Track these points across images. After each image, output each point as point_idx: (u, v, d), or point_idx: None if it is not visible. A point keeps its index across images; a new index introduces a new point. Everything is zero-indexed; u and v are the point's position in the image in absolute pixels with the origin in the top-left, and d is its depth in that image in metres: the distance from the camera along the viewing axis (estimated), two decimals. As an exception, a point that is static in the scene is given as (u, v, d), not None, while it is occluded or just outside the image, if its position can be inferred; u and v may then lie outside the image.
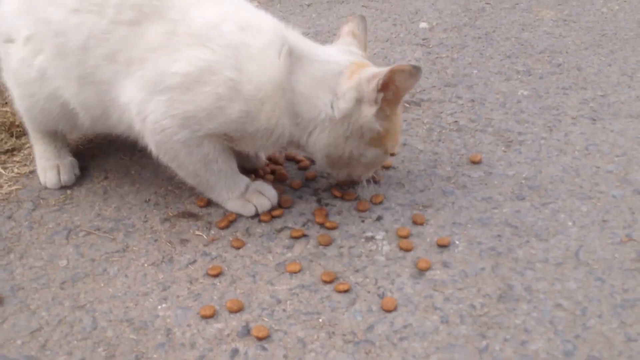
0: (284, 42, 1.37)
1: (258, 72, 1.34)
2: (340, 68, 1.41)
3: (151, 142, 1.39)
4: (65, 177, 1.60)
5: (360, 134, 1.41)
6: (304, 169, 1.68)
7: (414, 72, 1.35)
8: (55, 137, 1.63)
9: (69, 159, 1.64)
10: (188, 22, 1.35)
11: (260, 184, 1.53)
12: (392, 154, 1.59)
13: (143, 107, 1.35)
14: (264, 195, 1.51)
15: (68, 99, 1.45)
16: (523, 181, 1.60)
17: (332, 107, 1.39)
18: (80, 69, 1.39)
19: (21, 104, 1.55)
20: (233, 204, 1.51)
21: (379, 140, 1.43)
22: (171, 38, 1.34)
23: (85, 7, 1.37)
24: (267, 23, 1.41)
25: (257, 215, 1.50)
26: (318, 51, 1.44)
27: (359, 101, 1.38)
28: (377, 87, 1.36)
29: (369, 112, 1.38)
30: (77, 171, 1.64)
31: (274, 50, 1.36)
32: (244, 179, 1.52)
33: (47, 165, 1.61)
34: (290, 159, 1.71)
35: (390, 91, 1.38)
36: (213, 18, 1.37)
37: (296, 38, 1.42)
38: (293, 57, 1.37)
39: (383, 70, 1.37)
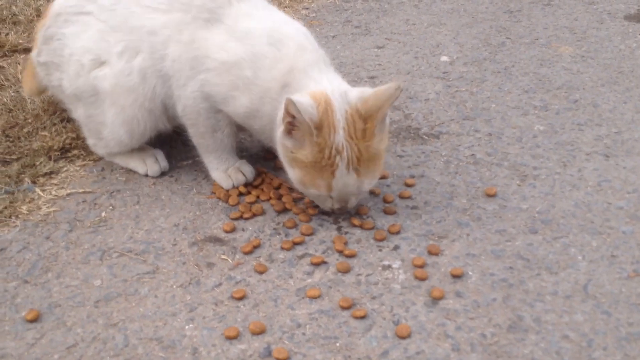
0: (292, 66, 1.57)
1: (264, 80, 1.59)
2: None
3: (180, 104, 1.68)
4: (164, 164, 1.85)
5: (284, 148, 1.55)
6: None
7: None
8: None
9: (158, 150, 1.88)
10: (237, 27, 1.63)
11: (241, 163, 1.79)
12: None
13: (187, 81, 1.65)
14: (241, 171, 1.76)
15: (161, 95, 1.70)
16: (536, 215, 1.67)
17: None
18: (161, 63, 1.66)
19: (118, 119, 1.73)
20: (217, 174, 1.78)
21: (297, 163, 1.52)
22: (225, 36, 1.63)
23: (174, 7, 1.66)
24: (290, 38, 1.63)
25: (234, 187, 1.76)
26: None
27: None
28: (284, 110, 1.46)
29: (279, 130, 1.53)
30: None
31: (282, 65, 1.58)
32: (235, 160, 1.78)
33: (146, 156, 1.85)
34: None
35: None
36: (254, 29, 1.63)
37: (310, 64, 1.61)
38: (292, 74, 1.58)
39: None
